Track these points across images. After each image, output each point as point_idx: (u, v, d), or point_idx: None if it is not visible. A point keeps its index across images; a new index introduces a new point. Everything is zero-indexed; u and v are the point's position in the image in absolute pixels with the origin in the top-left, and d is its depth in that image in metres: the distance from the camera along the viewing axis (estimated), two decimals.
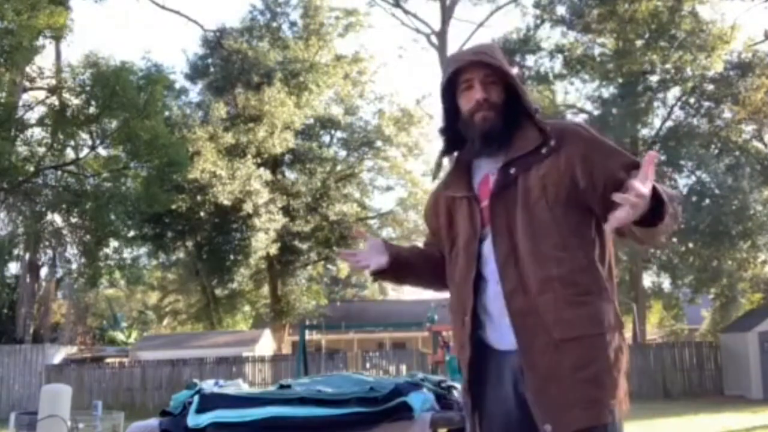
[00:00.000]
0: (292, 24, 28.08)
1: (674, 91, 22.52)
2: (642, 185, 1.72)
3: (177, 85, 23.77)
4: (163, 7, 27.17)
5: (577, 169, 2.02)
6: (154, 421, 2.80)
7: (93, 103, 18.98)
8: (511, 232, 2.03)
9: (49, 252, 22.23)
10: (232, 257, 24.77)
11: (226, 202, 22.35)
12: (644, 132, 22.47)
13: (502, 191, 2.07)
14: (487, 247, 2.08)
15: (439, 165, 2.37)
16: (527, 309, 1.97)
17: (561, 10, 22.85)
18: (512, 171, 2.07)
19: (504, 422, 2.03)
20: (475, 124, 2.11)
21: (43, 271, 23.60)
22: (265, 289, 27.95)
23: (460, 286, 2.13)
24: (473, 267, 2.09)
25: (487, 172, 2.15)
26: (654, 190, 1.78)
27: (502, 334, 2.03)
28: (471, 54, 2.17)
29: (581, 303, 1.96)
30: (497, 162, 2.12)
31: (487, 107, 2.10)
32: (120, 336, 29.09)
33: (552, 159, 2.05)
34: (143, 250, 24.50)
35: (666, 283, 23.64)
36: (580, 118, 22.59)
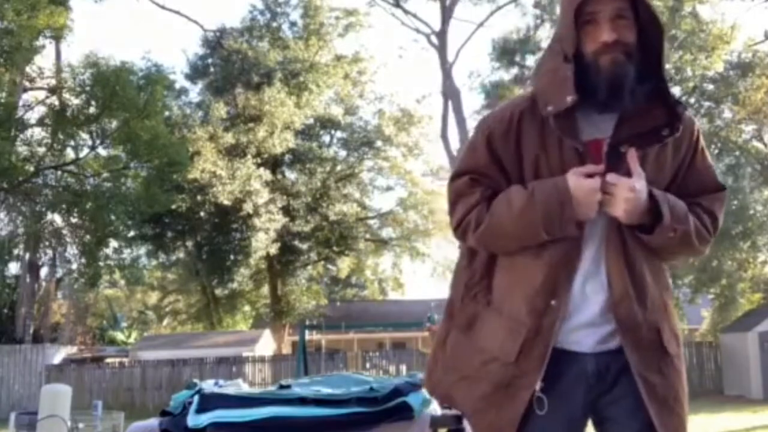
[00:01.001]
0: (292, 24, 28.09)
1: (674, 91, 22.50)
2: (635, 181, 1.67)
3: (177, 85, 23.82)
4: (163, 7, 27.17)
5: (680, 172, 1.83)
6: (154, 421, 2.81)
7: (93, 103, 19.00)
8: (618, 223, 1.73)
9: (49, 252, 22.25)
10: (232, 257, 24.77)
11: (226, 202, 22.35)
12: None
13: (611, 171, 1.71)
14: (590, 230, 1.75)
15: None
16: (642, 320, 1.74)
17: None
18: (623, 150, 1.72)
19: (568, 429, 1.80)
20: (600, 69, 1.68)
21: (43, 271, 23.64)
22: (265, 289, 27.95)
23: (557, 264, 1.73)
24: (582, 245, 1.74)
25: (598, 135, 1.76)
26: (652, 197, 1.70)
27: (582, 336, 1.76)
28: None
29: (674, 315, 1.85)
30: (606, 127, 1.76)
31: (618, 50, 1.68)
32: (120, 336, 29.10)
33: (669, 148, 1.78)
34: (143, 250, 24.53)
35: None
36: None
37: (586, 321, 1.75)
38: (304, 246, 26.61)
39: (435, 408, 2.90)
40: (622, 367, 1.75)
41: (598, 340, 1.76)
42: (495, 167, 1.80)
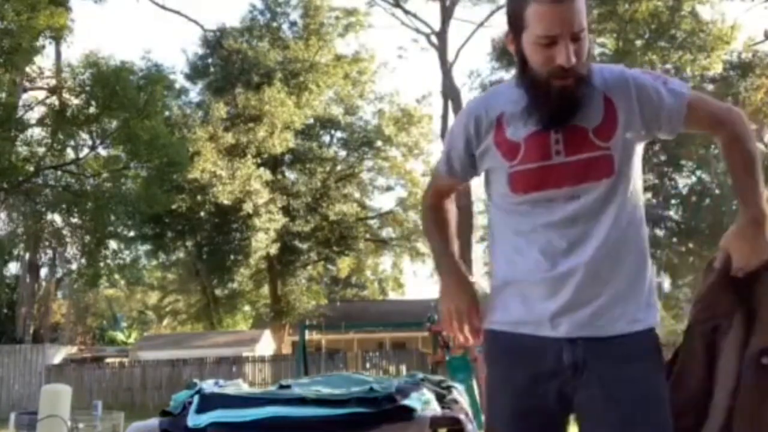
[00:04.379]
0: (292, 24, 28.13)
1: None
2: None
3: (177, 85, 23.81)
4: (163, 7, 27.20)
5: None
6: (154, 421, 2.80)
7: (93, 103, 19.01)
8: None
9: (49, 252, 22.26)
10: (232, 257, 24.78)
11: (226, 202, 22.37)
12: None
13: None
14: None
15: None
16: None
17: None
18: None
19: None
20: (551, 93, 1.61)
21: (43, 271, 23.64)
22: (265, 289, 27.96)
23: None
24: None
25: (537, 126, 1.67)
26: None
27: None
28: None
29: None
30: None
31: (568, 74, 1.58)
32: (120, 336, 29.14)
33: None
34: (143, 249, 24.56)
35: (666, 283, 23.67)
36: None
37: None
38: (304, 246, 26.62)
39: (435, 408, 2.90)
40: None
41: None
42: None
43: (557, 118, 1.63)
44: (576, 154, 1.63)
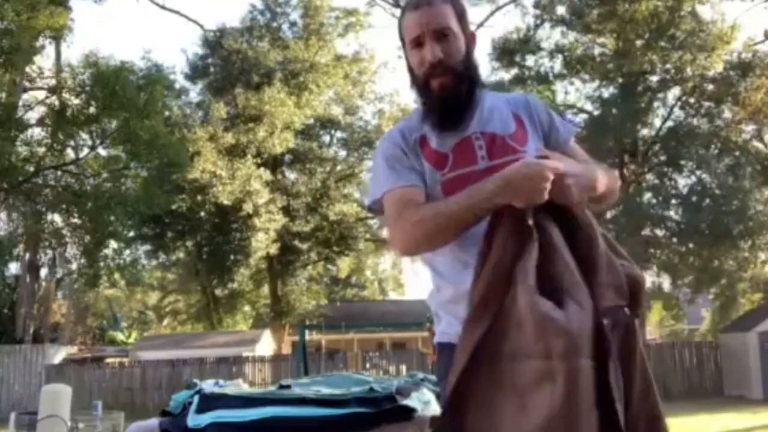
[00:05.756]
0: (292, 24, 28.11)
1: (674, 91, 22.49)
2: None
3: (177, 85, 23.79)
4: (163, 7, 27.17)
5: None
6: (154, 421, 2.81)
7: (93, 103, 19.00)
8: None
9: (49, 252, 22.25)
10: (232, 257, 24.76)
11: (226, 202, 22.35)
12: (644, 132, 22.46)
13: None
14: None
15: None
16: None
17: (561, 10, 22.82)
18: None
19: None
20: (434, 93, 1.76)
21: (43, 271, 23.63)
22: (265, 289, 27.95)
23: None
24: None
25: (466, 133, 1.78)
26: None
27: None
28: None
29: None
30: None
31: (442, 70, 1.75)
32: (120, 336, 29.14)
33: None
34: (143, 249, 24.55)
35: (666, 283, 23.64)
36: (580, 118, 22.60)
37: None
38: (304, 246, 26.61)
39: (435, 408, 2.90)
40: None
41: None
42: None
43: (448, 118, 1.76)
44: (499, 157, 1.73)
